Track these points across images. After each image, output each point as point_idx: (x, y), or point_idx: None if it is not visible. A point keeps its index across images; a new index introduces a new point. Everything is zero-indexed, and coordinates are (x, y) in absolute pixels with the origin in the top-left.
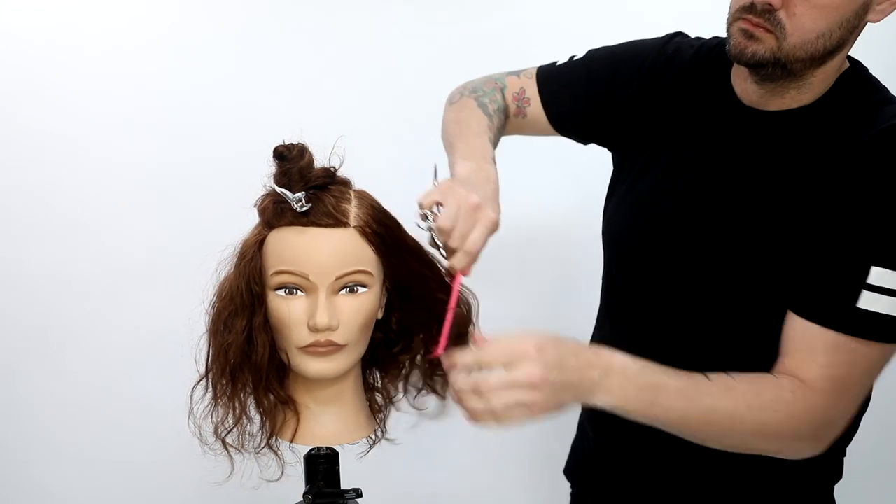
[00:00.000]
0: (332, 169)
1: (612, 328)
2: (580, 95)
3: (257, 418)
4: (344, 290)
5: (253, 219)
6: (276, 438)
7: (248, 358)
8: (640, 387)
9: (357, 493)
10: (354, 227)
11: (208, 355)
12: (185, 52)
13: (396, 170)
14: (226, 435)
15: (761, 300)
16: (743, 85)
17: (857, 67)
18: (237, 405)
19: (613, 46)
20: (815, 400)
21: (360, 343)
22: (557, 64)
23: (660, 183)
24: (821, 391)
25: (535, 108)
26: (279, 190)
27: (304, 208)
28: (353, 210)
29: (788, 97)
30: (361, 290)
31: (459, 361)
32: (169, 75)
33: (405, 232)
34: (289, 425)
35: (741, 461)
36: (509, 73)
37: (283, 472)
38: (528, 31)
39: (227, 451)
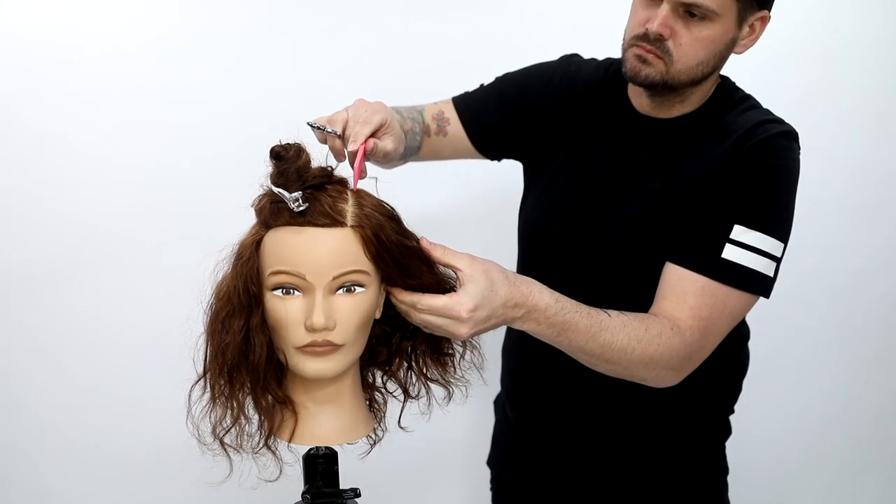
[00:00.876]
0: (329, 169)
1: None
2: (494, 114)
3: (255, 418)
4: (341, 290)
5: (250, 219)
6: (275, 438)
7: (245, 358)
8: (553, 323)
9: (356, 493)
10: (351, 226)
11: (206, 355)
12: (185, 52)
13: (393, 169)
14: (224, 435)
15: (655, 272)
16: (638, 99)
17: (726, 82)
18: (235, 405)
19: (520, 70)
20: (686, 336)
21: (358, 343)
22: (471, 91)
23: (572, 184)
24: (689, 329)
25: (455, 127)
26: (276, 190)
27: (301, 208)
28: (349, 210)
29: (675, 109)
30: (359, 289)
31: (410, 299)
32: (168, 75)
33: (404, 231)
34: (287, 425)
35: (646, 428)
36: (427, 104)
37: (281, 472)
38: (528, 31)
39: (226, 451)
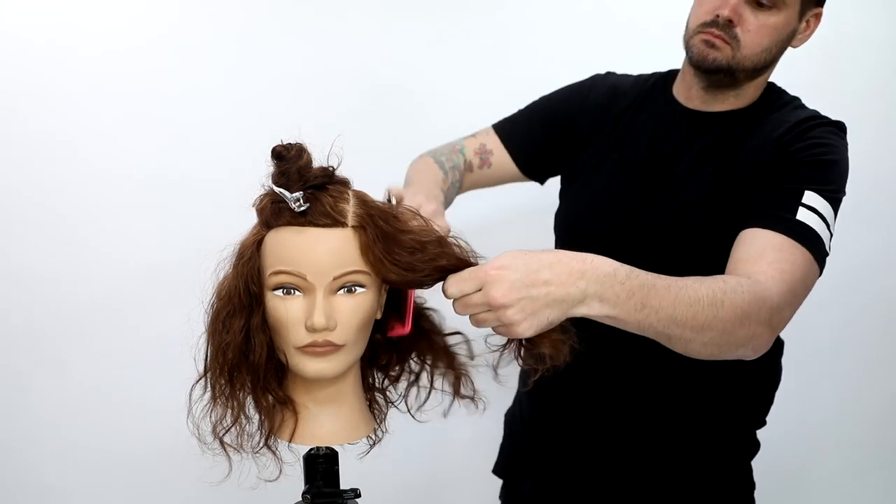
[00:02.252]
0: (331, 169)
1: None
2: (540, 139)
3: (256, 418)
4: (342, 290)
5: (252, 219)
6: (275, 438)
7: (246, 358)
8: (631, 290)
9: (356, 494)
10: (352, 227)
11: (207, 355)
12: (185, 53)
13: (396, 170)
14: (224, 434)
15: (707, 263)
16: (687, 93)
17: (773, 86)
18: (235, 405)
19: (557, 91)
20: (769, 284)
21: (359, 343)
22: (510, 117)
23: (612, 180)
24: (771, 278)
25: (500, 157)
26: (277, 190)
27: (302, 208)
28: (351, 210)
29: (728, 102)
30: (359, 290)
31: (446, 290)
32: (168, 75)
33: (405, 231)
34: (287, 425)
35: (668, 437)
36: (466, 137)
37: (281, 472)
38: (528, 31)
39: (226, 451)
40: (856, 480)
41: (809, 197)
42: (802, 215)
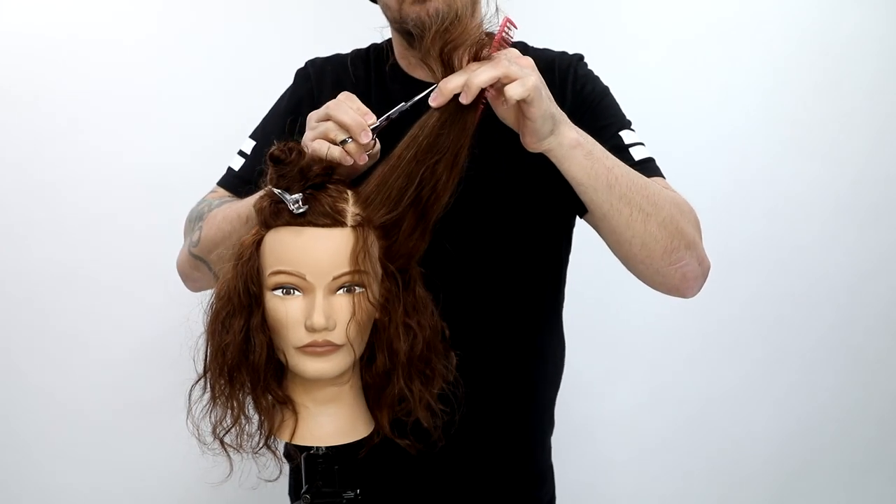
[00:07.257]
0: (330, 168)
1: None
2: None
3: (256, 418)
4: (341, 290)
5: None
6: (275, 438)
7: (245, 358)
8: (593, 142)
9: (356, 493)
10: (352, 226)
11: (206, 355)
12: (186, 51)
13: None
14: (224, 435)
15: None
16: (419, 71)
17: None
18: (235, 405)
19: (266, 116)
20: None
21: (358, 343)
22: (234, 168)
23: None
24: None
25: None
26: (276, 191)
27: (301, 210)
28: (349, 209)
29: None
30: (359, 289)
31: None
32: (169, 74)
33: (404, 231)
34: (287, 425)
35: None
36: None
37: (281, 472)
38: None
39: (226, 451)
40: (856, 480)
41: (626, 136)
42: (637, 153)
